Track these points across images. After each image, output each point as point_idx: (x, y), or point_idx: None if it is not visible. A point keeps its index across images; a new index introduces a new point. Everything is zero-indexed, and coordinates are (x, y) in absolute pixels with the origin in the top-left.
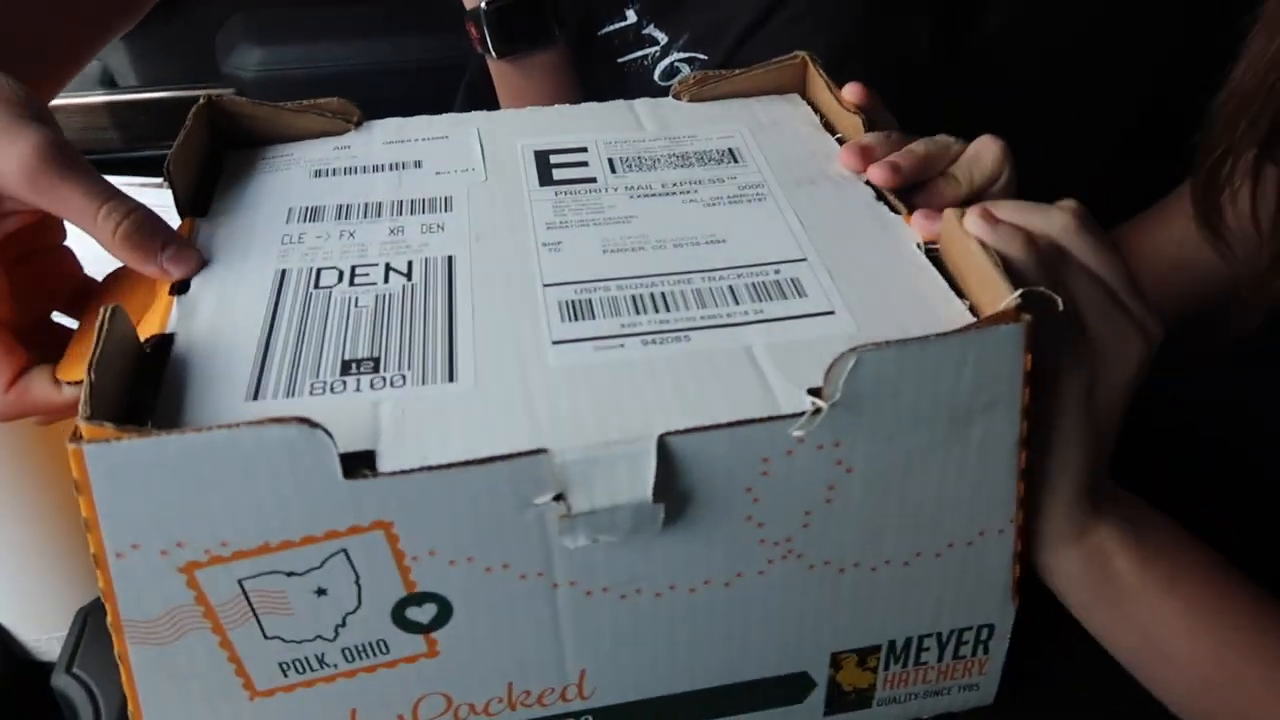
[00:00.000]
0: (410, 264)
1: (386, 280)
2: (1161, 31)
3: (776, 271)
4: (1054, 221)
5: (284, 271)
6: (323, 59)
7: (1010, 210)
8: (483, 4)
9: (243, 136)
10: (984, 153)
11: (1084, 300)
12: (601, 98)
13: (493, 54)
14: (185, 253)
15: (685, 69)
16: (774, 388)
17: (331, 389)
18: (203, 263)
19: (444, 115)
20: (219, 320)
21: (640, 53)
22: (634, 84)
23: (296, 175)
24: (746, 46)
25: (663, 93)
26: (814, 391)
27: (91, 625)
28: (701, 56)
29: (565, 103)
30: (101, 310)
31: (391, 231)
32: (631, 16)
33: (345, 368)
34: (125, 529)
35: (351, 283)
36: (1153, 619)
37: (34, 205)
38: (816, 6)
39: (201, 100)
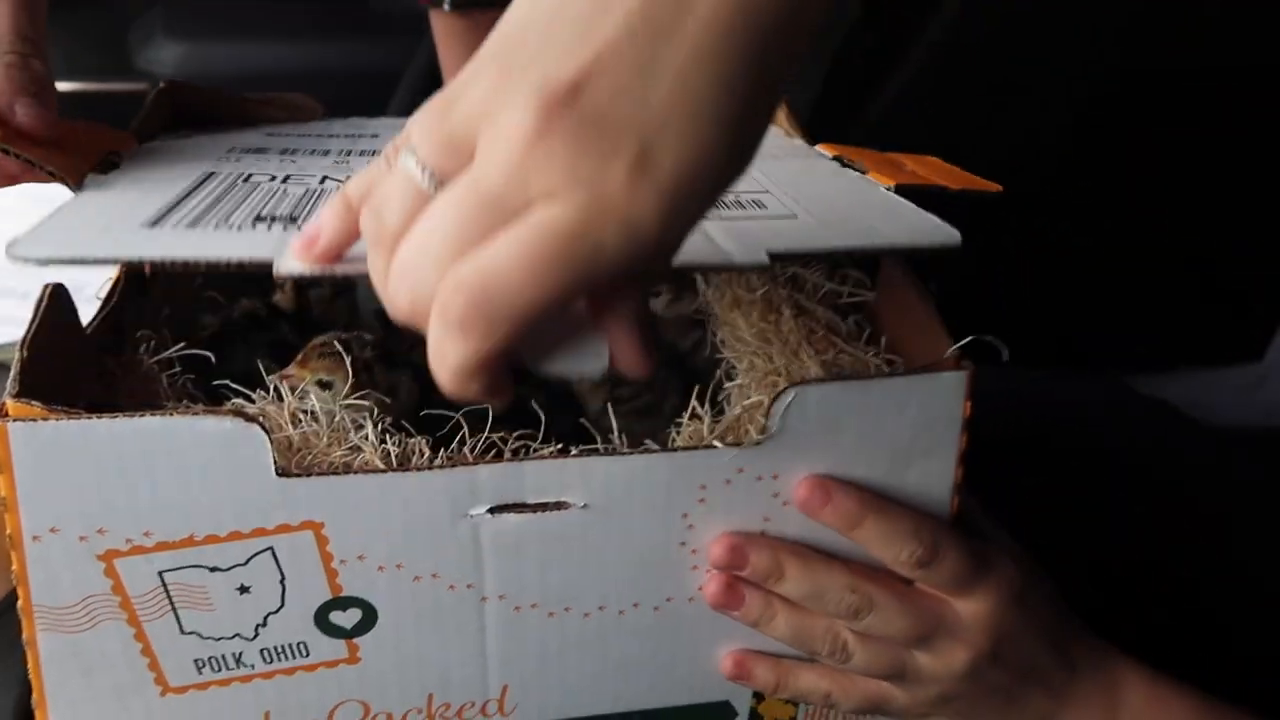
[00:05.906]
0: (349, 178)
1: (322, 184)
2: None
3: (736, 197)
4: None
5: (212, 172)
6: (248, 59)
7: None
8: None
9: (205, 123)
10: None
11: None
12: None
13: (446, 6)
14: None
15: None
16: (721, 245)
17: (238, 229)
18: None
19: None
20: (131, 185)
21: None
22: None
23: (249, 133)
24: None
25: None
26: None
27: None
28: None
29: None
30: (43, 288)
31: (336, 163)
32: None
33: (258, 220)
34: (45, 511)
35: (284, 184)
36: None
37: None
38: None
39: (162, 84)
